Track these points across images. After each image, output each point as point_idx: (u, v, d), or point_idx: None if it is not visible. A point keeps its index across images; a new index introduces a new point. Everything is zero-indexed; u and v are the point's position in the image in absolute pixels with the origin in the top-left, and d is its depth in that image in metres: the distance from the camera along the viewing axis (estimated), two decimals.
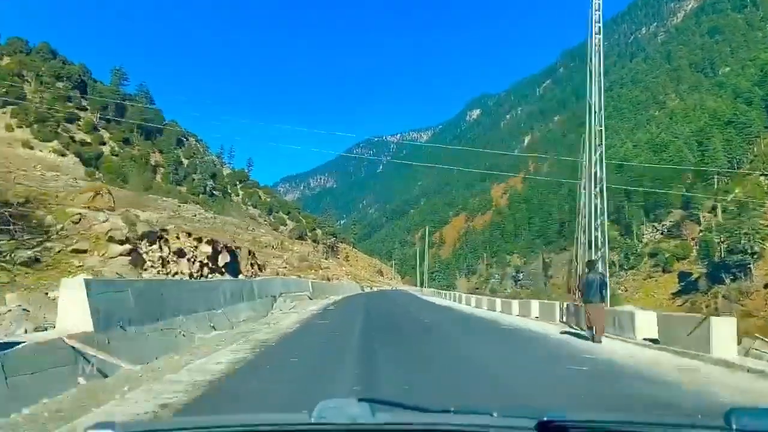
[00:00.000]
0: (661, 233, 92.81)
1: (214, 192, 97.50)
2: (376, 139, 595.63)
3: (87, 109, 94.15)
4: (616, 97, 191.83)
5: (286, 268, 36.68)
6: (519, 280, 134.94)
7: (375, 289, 77.12)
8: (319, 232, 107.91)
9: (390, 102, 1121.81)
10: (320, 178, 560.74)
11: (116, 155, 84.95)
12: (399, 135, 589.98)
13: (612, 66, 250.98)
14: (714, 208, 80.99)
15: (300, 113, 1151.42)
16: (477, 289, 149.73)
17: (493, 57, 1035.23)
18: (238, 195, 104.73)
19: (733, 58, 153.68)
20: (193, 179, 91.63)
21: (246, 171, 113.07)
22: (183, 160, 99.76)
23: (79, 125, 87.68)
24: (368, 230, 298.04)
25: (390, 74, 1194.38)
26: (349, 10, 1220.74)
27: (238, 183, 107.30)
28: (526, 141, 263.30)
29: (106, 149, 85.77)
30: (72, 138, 79.65)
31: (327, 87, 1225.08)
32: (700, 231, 79.71)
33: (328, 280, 40.74)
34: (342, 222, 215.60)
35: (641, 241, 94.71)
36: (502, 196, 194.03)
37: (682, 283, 69.42)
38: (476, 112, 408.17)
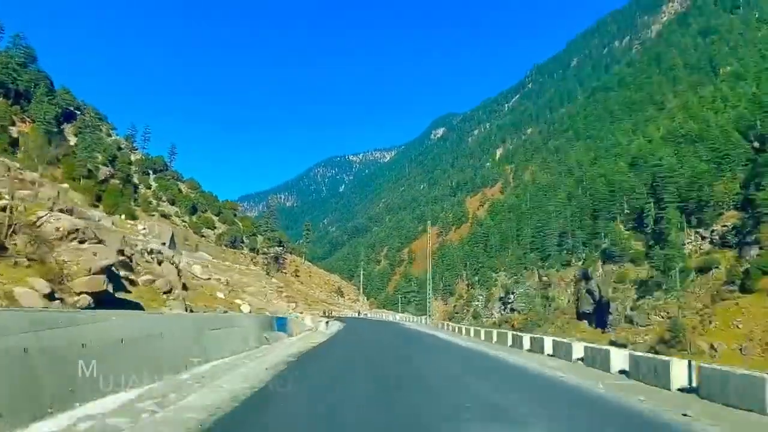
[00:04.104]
0: (711, 241, 71.63)
1: (112, 179, 70.22)
2: (338, 158, 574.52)
3: None
4: (602, 100, 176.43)
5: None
6: (509, 303, 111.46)
7: (330, 321, 43.58)
8: (260, 238, 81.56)
9: (352, 121, 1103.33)
10: (280, 197, 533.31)
11: None
12: (362, 154, 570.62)
13: (587, 77, 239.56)
14: None
15: (260, 130, 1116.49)
16: (457, 314, 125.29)
17: (457, 78, 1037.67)
18: (149, 187, 77.53)
19: (733, 56, 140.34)
20: (75, 157, 64.25)
21: (165, 159, 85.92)
22: (69, 136, 72.52)
23: None
24: (329, 248, 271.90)
25: (353, 93, 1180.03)
26: (311, 28, 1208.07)
27: (150, 172, 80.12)
28: (498, 153, 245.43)
29: None
30: None
31: (288, 104, 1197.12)
32: None
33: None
34: (299, 241, 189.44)
35: (682, 253, 73.31)
36: (479, 208, 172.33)
37: None
38: (441, 131, 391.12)
